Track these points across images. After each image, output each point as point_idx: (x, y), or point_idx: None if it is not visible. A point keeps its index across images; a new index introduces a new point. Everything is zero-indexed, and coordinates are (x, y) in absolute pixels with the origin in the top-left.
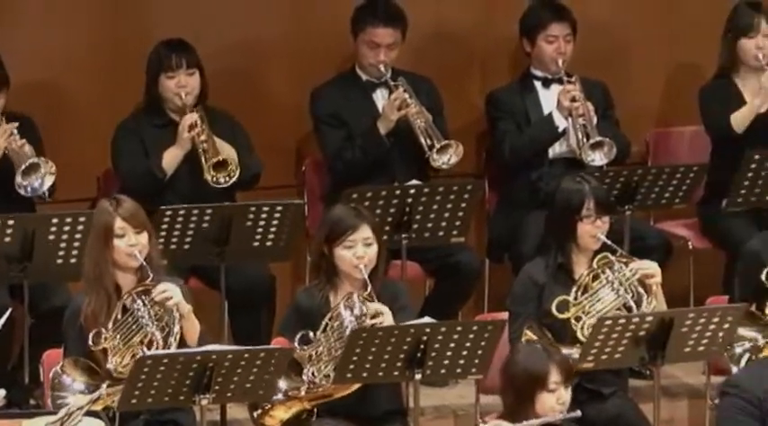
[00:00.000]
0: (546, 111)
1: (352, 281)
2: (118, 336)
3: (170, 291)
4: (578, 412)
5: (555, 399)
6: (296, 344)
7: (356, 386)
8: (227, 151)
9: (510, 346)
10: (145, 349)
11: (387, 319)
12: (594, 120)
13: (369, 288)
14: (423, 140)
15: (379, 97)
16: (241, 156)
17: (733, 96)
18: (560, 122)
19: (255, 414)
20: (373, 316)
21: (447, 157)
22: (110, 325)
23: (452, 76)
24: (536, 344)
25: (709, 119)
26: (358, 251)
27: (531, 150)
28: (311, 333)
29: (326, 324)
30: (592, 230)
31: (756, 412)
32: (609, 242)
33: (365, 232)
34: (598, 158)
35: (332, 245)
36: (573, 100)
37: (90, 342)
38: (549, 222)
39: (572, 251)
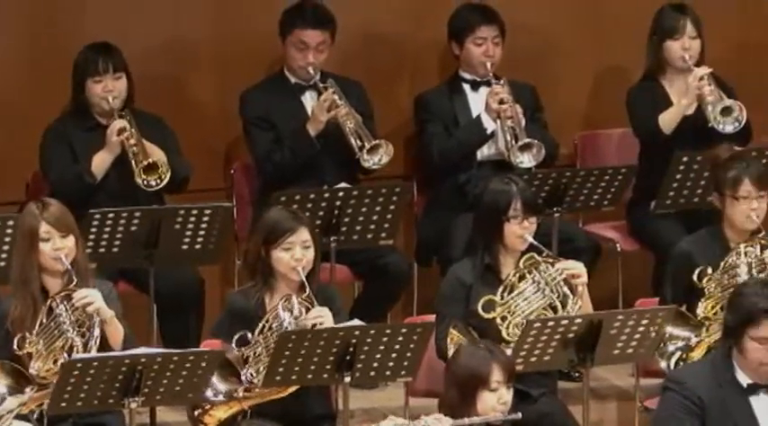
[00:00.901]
0: (474, 114)
1: (288, 283)
2: (41, 341)
3: (90, 296)
4: (519, 415)
5: (496, 398)
6: (233, 345)
7: (293, 387)
8: (158, 154)
9: (436, 347)
10: (66, 354)
11: (327, 321)
12: (523, 123)
13: (307, 291)
14: (353, 141)
15: (308, 99)
16: (170, 159)
17: (660, 98)
18: (489, 125)
19: (196, 413)
20: (314, 319)
21: (377, 157)
22: (35, 330)
23: (381, 80)
24: (480, 344)
25: (637, 121)
26: (296, 253)
27: (459, 153)
28: (249, 335)
29: (264, 326)
30: (518, 231)
31: (697, 412)
32: (535, 242)
33: (303, 235)
34: (527, 160)
35: (269, 247)
36: (501, 102)
37: (15, 346)
38: (477, 223)
39: (499, 251)
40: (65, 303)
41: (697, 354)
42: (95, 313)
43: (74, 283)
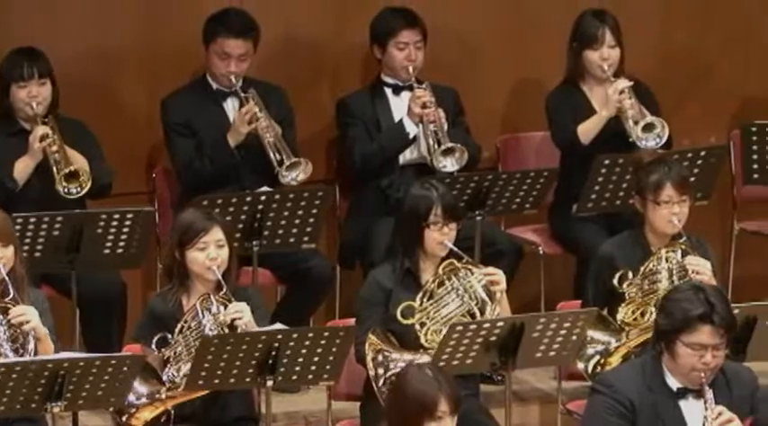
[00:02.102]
0: (396, 118)
1: (204, 284)
2: None
3: (28, 315)
4: None
5: None
6: (153, 347)
7: None
8: (79, 161)
9: (355, 351)
10: None
11: (246, 316)
12: (445, 127)
13: (224, 289)
14: (272, 155)
15: (230, 106)
16: (92, 166)
17: (579, 104)
18: (411, 129)
19: (123, 418)
20: (233, 314)
21: (296, 174)
22: None
23: (303, 84)
24: (427, 369)
25: (556, 128)
26: (210, 252)
27: (381, 157)
28: (169, 336)
29: (183, 325)
30: (438, 237)
31: (627, 415)
32: (455, 248)
33: (217, 234)
34: (449, 164)
35: (184, 248)
36: (424, 106)
37: None
38: (397, 228)
39: (419, 257)
40: (0, 316)
41: (615, 359)
42: (31, 331)
43: (10, 296)
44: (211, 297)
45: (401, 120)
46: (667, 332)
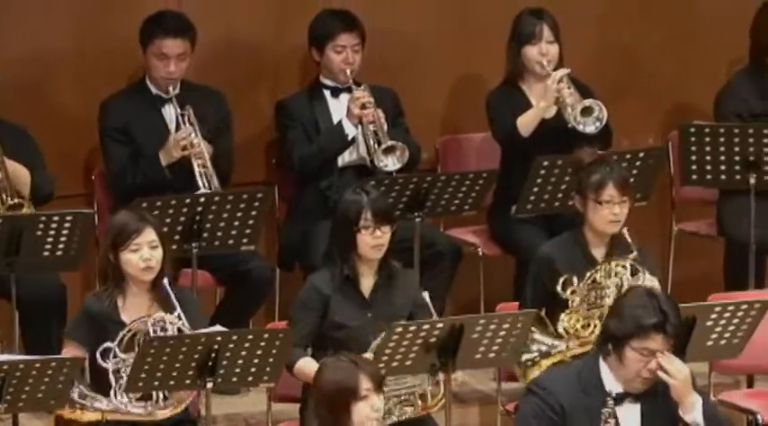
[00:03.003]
0: (335, 120)
1: (139, 285)
2: None
3: None
4: None
5: (369, 407)
6: (98, 357)
7: None
8: (21, 177)
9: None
10: None
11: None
12: (385, 127)
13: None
14: (200, 181)
15: (168, 113)
16: (34, 176)
17: (519, 102)
18: (350, 130)
19: (65, 417)
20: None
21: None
22: None
23: (243, 86)
24: (341, 357)
25: (496, 124)
26: (144, 254)
27: (320, 159)
28: (112, 345)
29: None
30: (371, 241)
31: (556, 420)
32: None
33: (149, 235)
34: (391, 163)
35: (118, 250)
36: (363, 107)
37: None
38: (332, 234)
39: (356, 262)
40: None
41: (547, 363)
42: None
43: None
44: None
45: (340, 122)
46: (618, 337)
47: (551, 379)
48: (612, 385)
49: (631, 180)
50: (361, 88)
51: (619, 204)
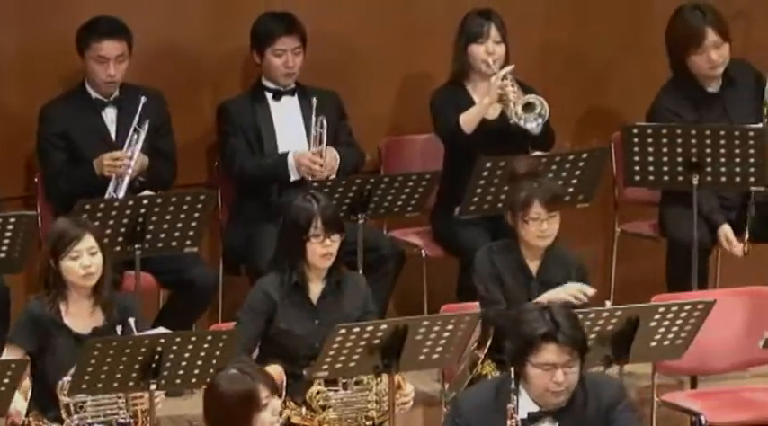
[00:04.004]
0: (277, 124)
1: (79, 291)
2: None
3: None
4: None
5: (270, 413)
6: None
7: None
8: None
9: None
10: None
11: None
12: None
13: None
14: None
15: (109, 115)
16: None
17: (464, 100)
18: (294, 175)
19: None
20: None
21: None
22: None
23: (184, 88)
24: (232, 370)
25: (439, 122)
26: (84, 260)
27: (258, 178)
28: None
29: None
30: (320, 249)
31: None
32: None
33: (88, 241)
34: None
35: (58, 258)
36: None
37: None
38: (280, 240)
39: (305, 269)
40: None
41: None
42: None
43: None
44: None
45: (287, 157)
46: (516, 356)
47: (468, 400)
48: (529, 404)
49: (573, 181)
50: (321, 162)
51: (547, 220)
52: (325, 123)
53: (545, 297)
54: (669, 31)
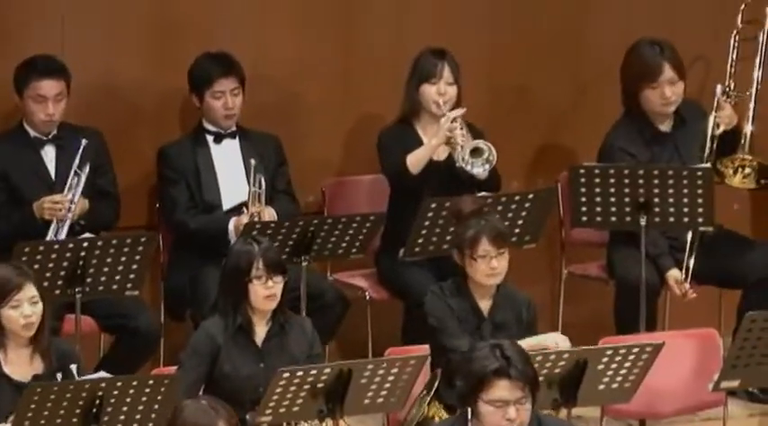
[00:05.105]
0: (218, 167)
1: (18, 340)
2: None
3: None
4: None
5: None
6: None
7: None
8: None
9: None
10: None
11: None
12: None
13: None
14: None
15: (48, 154)
16: None
17: (412, 140)
18: (231, 238)
19: None
20: None
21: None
22: None
23: (124, 128)
24: (202, 401)
25: (386, 161)
26: (25, 310)
27: (198, 235)
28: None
29: None
30: (263, 291)
31: None
32: None
33: (30, 290)
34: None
35: None
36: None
37: None
38: (222, 284)
39: (249, 312)
40: None
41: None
42: None
43: None
44: None
45: (228, 224)
46: (468, 394)
47: None
48: None
49: (520, 222)
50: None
51: (496, 257)
52: (263, 182)
53: (527, 343)
54: (625, 65)
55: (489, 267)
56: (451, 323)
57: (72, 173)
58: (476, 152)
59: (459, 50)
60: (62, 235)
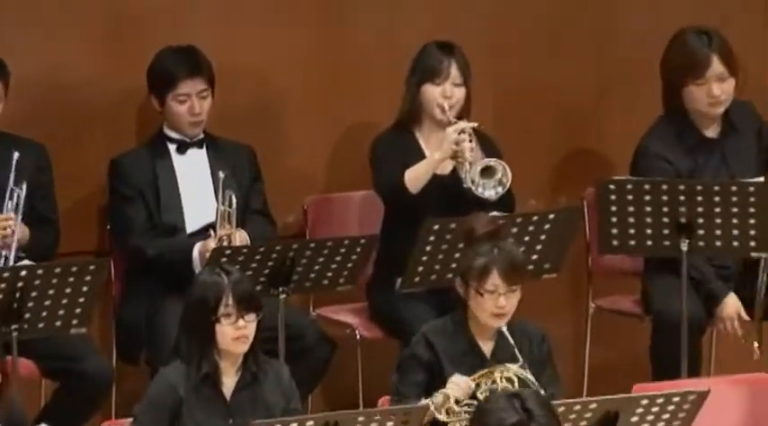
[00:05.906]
0: (181, 182)
1: None
2: None
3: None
4: None
5: None
6: None
7: None
8: None
9: None
10: None
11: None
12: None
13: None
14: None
15: None
16: None
17: (411, 150)
18: (196, 267)
19: None
20: None
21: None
22: None
23: (71, 138)
24: None
25: (380, 175)
26: None
27: (155, 261)
28: None
29: None
30: (233, 332)
31: None
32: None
33: None
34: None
35: None
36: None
37: None
38: (184, 323)
39: (215, 357)
40: None
41: None
42: None
43: None
44: None
45: (193, 248)
46: None
47: None
48: None
49: (538, 247)
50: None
51: (505, 295)
52: (234, 199)
53: None
54: (666, 56)
55: (496, 305)
56: (412, 376)
57: (8, 191)
58: (487, 171)
59: (468, 45)
60: (11, 262)
